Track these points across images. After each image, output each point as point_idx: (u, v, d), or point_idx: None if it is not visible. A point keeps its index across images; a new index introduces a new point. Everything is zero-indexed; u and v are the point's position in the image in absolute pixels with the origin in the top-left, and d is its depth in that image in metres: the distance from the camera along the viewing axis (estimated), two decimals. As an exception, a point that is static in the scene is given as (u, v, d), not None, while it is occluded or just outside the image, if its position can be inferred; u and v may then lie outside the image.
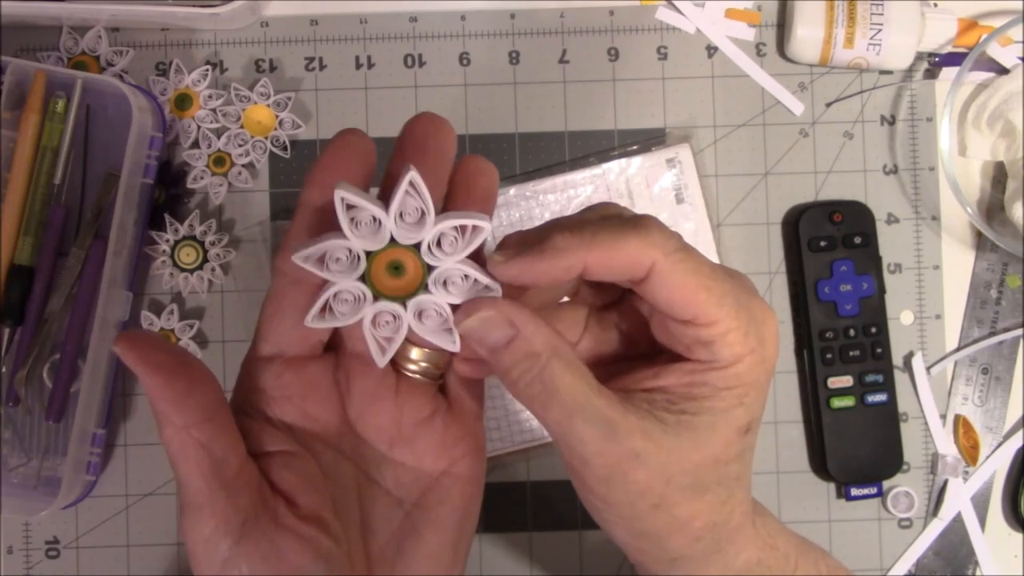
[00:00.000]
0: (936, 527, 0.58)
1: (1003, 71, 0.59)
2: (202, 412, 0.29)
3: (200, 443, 0.29)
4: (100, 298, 0.53)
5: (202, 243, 0.58)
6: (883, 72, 0.59)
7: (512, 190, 0.58)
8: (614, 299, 0.36)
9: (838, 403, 0.57)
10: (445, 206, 0.33)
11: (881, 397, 0.57)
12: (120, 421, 0.58)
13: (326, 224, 0.31)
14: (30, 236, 0.55)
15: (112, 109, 0.57)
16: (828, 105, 0.59)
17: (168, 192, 0.58)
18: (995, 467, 0.58)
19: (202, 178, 0.58)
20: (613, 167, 0.58)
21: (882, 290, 0.57)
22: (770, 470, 0.58)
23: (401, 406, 0.33)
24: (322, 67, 0.59)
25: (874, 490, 0.57)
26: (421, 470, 0.33)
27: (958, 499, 0.58)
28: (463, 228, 0.31)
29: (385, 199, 0.31)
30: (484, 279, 0.31)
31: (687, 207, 0.58)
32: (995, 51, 0.58)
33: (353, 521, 0.33)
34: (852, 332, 0.57)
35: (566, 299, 0.36)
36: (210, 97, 0.58)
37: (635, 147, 0.58)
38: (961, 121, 0.59)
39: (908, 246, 0.59)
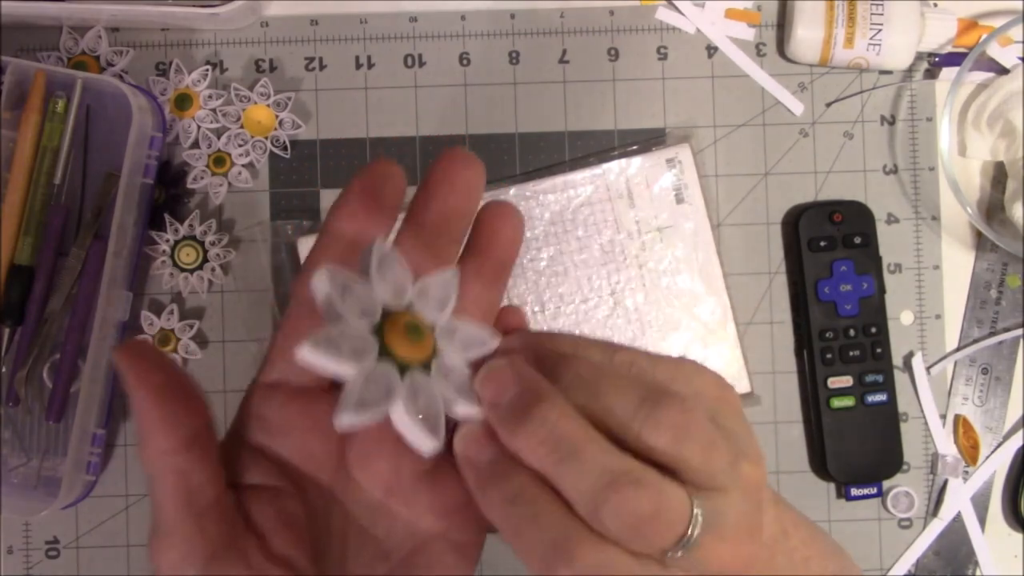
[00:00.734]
0: (936, 527, 0.58)
1: (1003, 71, 0.59)
2: (186, 439, 0.28)
3: (178, 470, 0.28)
4: (100, 298, 0.53)
5: (202, 243, 0.58)
6: (883, 72, 0.59)
7: (512, 190, 0.58)
8: None
9: (838, 403, 0.57)
10: (465, 249, 0.32)
11: (881, 397, 0.57)
12: (120, 421, 0.58)
13: (351, 256, 0.29)
14: (30, 236, 0.55)
15: (112, 109, 0.57)
16: (828, 105, 0.59)
17: (168, 192, 0.58)
18: (995, 467, 0.58)
19: (202, 178, 0.58)
20: (613, 167, 0.58)
21: (882, 290, 0.57)
22: (770, 470, 0.58)
23: (402, 455, 0.30)
24: (322, 67, 0.59)
25: (874, 490, 0.57)
26: (416, 527, 0.32)
27: (958, 499, 0.58)
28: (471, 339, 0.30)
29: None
30: (468, 403, 0.29)
31: (687, 207, 0.58)
32: (995, 51, 0.58)
33: (333, 567, 0.31)
34: (852, 332, 0.57)
35: None
36: (210, 97, 0.58)
37: (635, 147, 0.58)
38: (961, 121, 0.59)
39: (908, 246, 0.59)
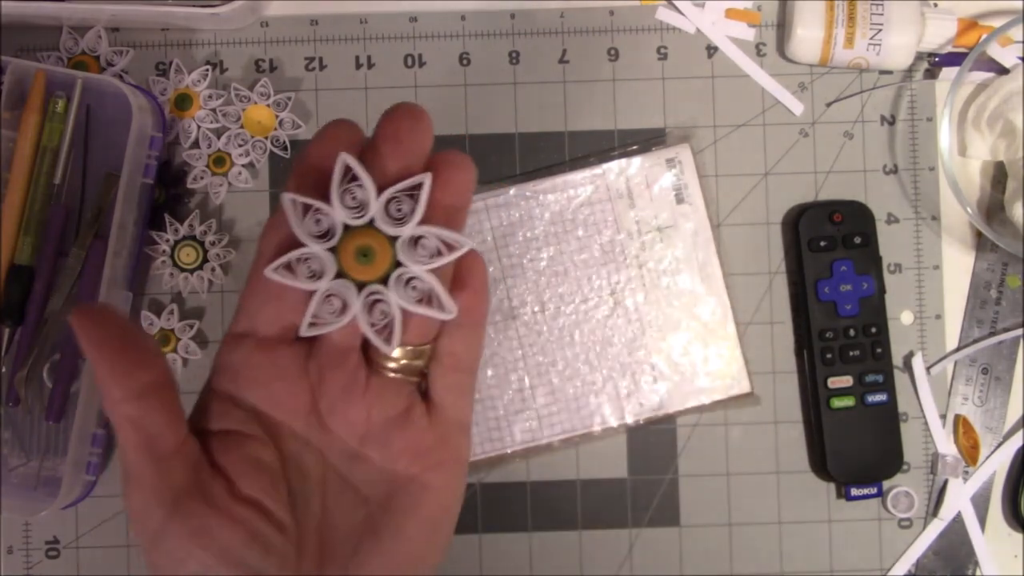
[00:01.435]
0: (936, 527, 0.58)
1: (1003, 71, 0.59)
2: (140, 389, 0.29)
3: (132, 418, 0.30)
4: (100, 298, 0.53)
5: (202, 243, 0.58)
6: (883, 72, 0.59)
7: (512, 190, 0.58)
8: None
9: (838, 403, 0.57)
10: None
11: (881, 397, 0.57)
12: (120, 421, 0.58)
13: (316, 190, 0.31)
14: (30, 236, 0.55)
15: (112, 109, 0.57)
16: (828, 105, 0.59)
17: (168, 192, 0.58)
18: (995, 467, 0.58)
19: (202, 178, 0.58)
20: (613, 167, 0.58)
21: (882, 290, 0.57)
22: (770, 470, 0.58)
23: (372, 402, 0.32)
24: (322, 67, 0.59)
25: (874, 490, 0.57)
26: (390, 471, 0.33)
27: (958, 499, 0.58)
28: (443, 240, 0.31)
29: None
30: (445, 297, 0.31)
31: (687, 207, 0.58)
32: (995, 51, 0.58)
33: (312, 513, 0.32)
34: (852, 332, 0.57)
35: None
36: (210, 97, 0.58)
37: (635, 147, 0.58)
38: (961, 121, 0.59)
39: (908, 246, 0.59)
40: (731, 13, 0.59)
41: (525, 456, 0.58)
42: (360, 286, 0.31)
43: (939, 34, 0.57)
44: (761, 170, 0.59)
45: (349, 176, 0.30)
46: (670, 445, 0.58)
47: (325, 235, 0.31)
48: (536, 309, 0.58)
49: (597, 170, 0.58)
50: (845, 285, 0.57)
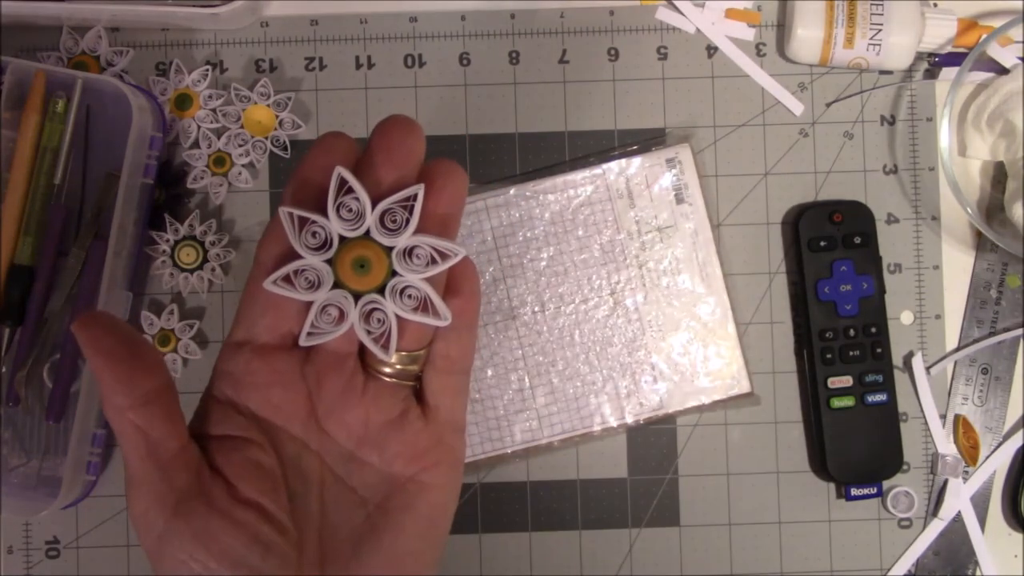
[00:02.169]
0: (936, 527, 0.58)
1: (1003, 71, 0.59)
2: (142, 396, 0.30)
3: (136, 425, 0.30)
4: (100, 298, 0.53)
5: (202, 243, 0.58)
6: (883, 72, 0.59)
7: (512, 190, 0.58)
8: None
9: (838, 403, 0.57)
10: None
11: (881, 397, 0.57)
12: (120, 421, 0.58)
13: (312, 202, 0.32)
14: (30, 236, 0.55)
15: (112, 109, 0.57)
16: (828, 105, 0.59)
17: (168, 192, 0.58)
18: (995, 467, 0.58)
19: (202, 178, 0.58)
20: (613, 167, 0.58)
21: (882, 290, 0.57)
22: (770, 470, 0.58)
23: (368, 406, 0.33)
24: (322, 67, 0.59)
25: (874, 490, 0.57)
26: (388, 473, 0.34)
27: (958, 499, 0.58)
28: (437, 249, 0.32)
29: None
30: (441, 305, 0.32)
31: (687, 207, 0.58)
32: (995, 51, 0.58)
33: (312, 515, 0.33)
34: (852, 332, 0.57)
35: None
36: (210, 97, 0.58)
37: (635, 147, 0.58)
38: (961, 121, 0.59)
39: (908, 246, 0.59)
40: (731, 13, 0.59)
41: (525, 456, 0.58)
42: (357, 296, 0.32)
43: (939, 34, 0.57)
44: (761, 170, 0.59)
45: (345, 188, 0.31)
46: (670, 445, 0.58)
47: (322, 246, 0.32)
48: (536, 309, 0.58)
49: (597, 170, 0.58)
50: (845, 285, 0.57)
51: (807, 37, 0.57)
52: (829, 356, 0.57)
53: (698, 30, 0.59)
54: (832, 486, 0.59)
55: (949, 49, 0.59)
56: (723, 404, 0.58)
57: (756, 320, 0.59)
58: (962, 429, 0.58)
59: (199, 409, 0.33)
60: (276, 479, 0.32)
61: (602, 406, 0.57)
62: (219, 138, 0.58)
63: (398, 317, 0.32)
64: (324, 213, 0.31)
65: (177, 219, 0.58)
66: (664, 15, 0.59)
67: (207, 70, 0.58)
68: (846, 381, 0.57)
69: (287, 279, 0.32)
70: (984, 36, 0.56)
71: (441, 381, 0.34)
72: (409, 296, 0.32)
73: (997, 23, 0.58)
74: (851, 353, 0.57)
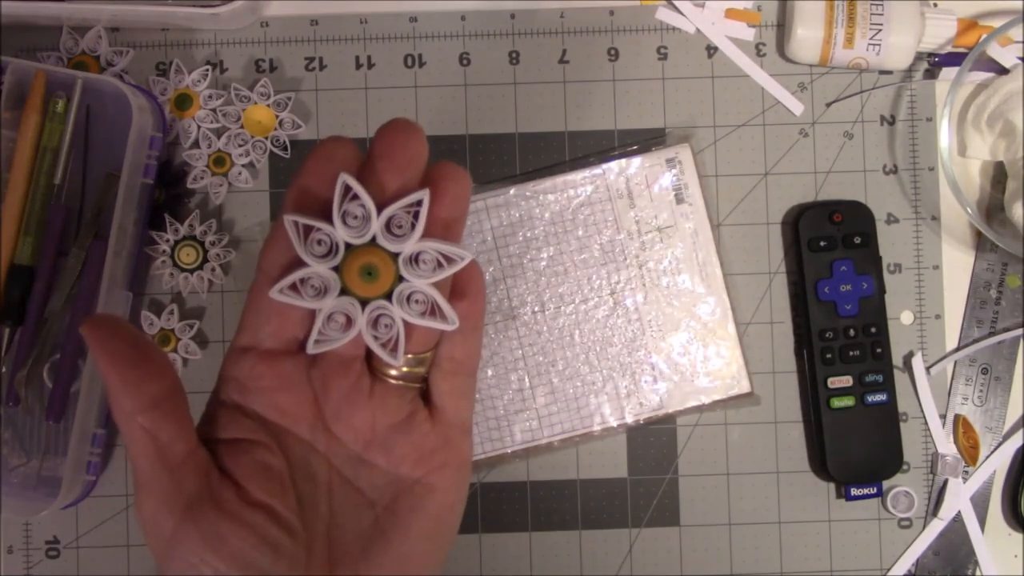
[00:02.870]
0: (936, 527, 0.58)
1: (1003, 71, 0.59)
2: (151, 400, 0.30)
3: (145, 429, 0.30)
4: (100, 298, 0.53)
5: (202, 243, 0.58)
6: (883, 72, 0.59)
7: (512, 190, 0.58)
8: None
9: (838, 403, 0.57)
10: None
11: (881, 397, 0.57)
12: (120, 421, 0.58)
13: (314, 209, 0.32)
14: (30, 236, 0.55)
15: (112, 109, 0.57)
16: (828, 105, 0.59)
17: (168, 192, 0.58)
18: (995, 467, 0.58)
19: (202, 178, 0.58)
20: (613, 167, 0.58)
21: (882, 290, 0.57)
22: (770, 470, 0.58)
23: (375, 409, 0.33)
24: (322, 67, 0.59)
25: (874, 490, 0.57)
26: (395, 475, 0.34)
27: (958, 499, 0.58)
28: (443, 254, 0.32)
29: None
30: (448, 310, 0.32)
31: (687, 207, 0.58)
32: (995, 51, 0.58)
33: (320, 516, 0.33)
34: (852, 332, 0.57)
35: None
36: (210, 97, 0.58)
37: (635, 147, 0.58)
38: (961, 121, 0.59)
39: (908, 246, 0.59)
40: (731, 13, 0.59)
41: (525, 456, 0.58)
42: (363, 302, 0.32)
43: (939, 34, 0.57)
44: (761, 170, 0.59)
45: (349, 195, 0.31)
46: (670, 445, 0.58)
47: (327, 254, 0.31)
48: (536, 309, 0.58)
49: (597, 170, 0.58)
50: (845, 285, 0.57)
51: (807, 37, 0.57)
52: (829, 356, 0.57)
53: (698, 30, 0.59)
54: (832, 486, 0.59)
55: (949, 49, 0.59)
56: (723, 404, 0.58)
57: (756, 320, 0.59)
58: (962, 429, 0.58)
59: (206, 413, 0.34)
60: (285, 481, 0.32)
61: (602, 406, 0.57)
62: (219, 138, 0.58)
63: (405, 322, 0.32)
64: (328, 220, 0.31)
65: (177, 219, 0.58)
66: (664, 15, 0.59)
67: (207, 70, 0.58)
68: (846, 381, 0.57)
69: (293, 287, 0.32)
70: (984, 36, 0.56)
71: (447, 383, 0.34)
72: (416, 301, 0.32)
73: (997, 23, 0.58)
74: (851, 353, 0.57)
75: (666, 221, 0.58)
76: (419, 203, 0.31)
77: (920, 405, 0.58)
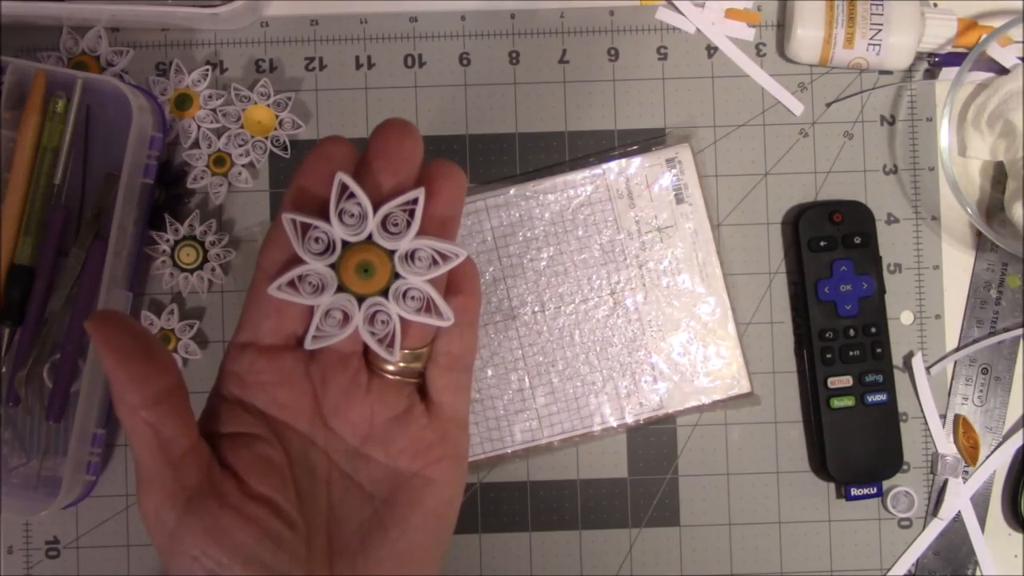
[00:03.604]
0: (936, 527, 0.58)
1: (1003, 71, 0.59)
2: (154, 395, 0.31)
3: (149, 423, 0.31)
4: (100, 298, 0.53)
5: (202, 243, 0.58)
6: (883, 72, 0.59)
7: (512, 190, 0.58)
8: None
9: (838, 403, 0.57)
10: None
11: (881, 397, 0.57)
12: (120, 421, 0.58)
13: (312, 208, 0.32)
14: (30, 236, 0.55)
15: (112, 109, 0.57)
16: (828, 105, 0.59)
17: (168, 192, 0.58)
18: (995, 467, 0.58)
19: (202, 178, 0.58)
20: (613, 167, 0.58)
21: (882, 290, 0.57)
22: (770, 470, 0.58)
23: (373, 403, 0.34)
24: (322, 67, 0.59)
25: (874, 490, 0.57)
26: (394, 468, 0.34)
27: (958, 499, 0.58)
28: (438, 251, 0.32)
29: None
30: (443, 306, 0.32)
31: (687, 207, 0.58)
32: (995, 51, 0.58)
33: (320, 510, 0.33)
34: (852, 332, 0.57)
35: None
36: (210, 97, 0.58)
37: (635, 147, 0.58)
38: (961, 121, 0.59)
39: (908, 246, 0.59)
40: (731, 13, 0.59)
41: (525, 456, 0.58)
42: (360, 299, 0.32)
43: (939, 34, 0.57)
44: (761, 170, 0.59)
45: (346, 193, 0.31)
46: (670, 445, 0.58)
47: (324, 251, 0.32)
48: (536, 309, 0.58)
49: (597, 170, 0.58)
50: (845, 285, 0.57)
51: (807, 37, 0.57)
52: (829, 356, 0.57)
53: (698, 30, 0.59)
54: (832, 486, 0.58)
55: (949, 49, 0.59)
56: (723, 404, 0.58)
57: (756, 320, 0.59)
58: (962, 429, 0.58)
59: (207, 408, 0.34)
60: (285, 474, 0.33)
61: (602, 406, 0.57)
62: (219, 138, 0.58)
63: (401, 318, 0.32)
64: (326, 218, 0.32)
65: (177, 219, 0.58)
66: (664, 15, 0.59)
67: (207, 70, 0.58)
68: (846, 381, 0.57)
69: (291, 284, 0.32)
70: (984, 36, 0.56)
71: (444, 378, 0.35)
72: (412, 297, 0.32)
73: (997, 23, 0.58)
74: (851, 353, 0.57)
75: (666, 221, 0.58)
76: (415, 201, 0.32)
77: (920, 405, 0.58)
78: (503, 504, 0.58)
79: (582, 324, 0.57)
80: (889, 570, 0.58)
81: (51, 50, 0.58)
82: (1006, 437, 0.59)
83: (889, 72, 0.59)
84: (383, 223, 0.32)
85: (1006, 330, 0.59)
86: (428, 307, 0.32)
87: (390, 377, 0.34)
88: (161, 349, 0.31)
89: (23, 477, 0.57)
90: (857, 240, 0.57)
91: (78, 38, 0.58)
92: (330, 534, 0.33)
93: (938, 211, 0.59)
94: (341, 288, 0.32)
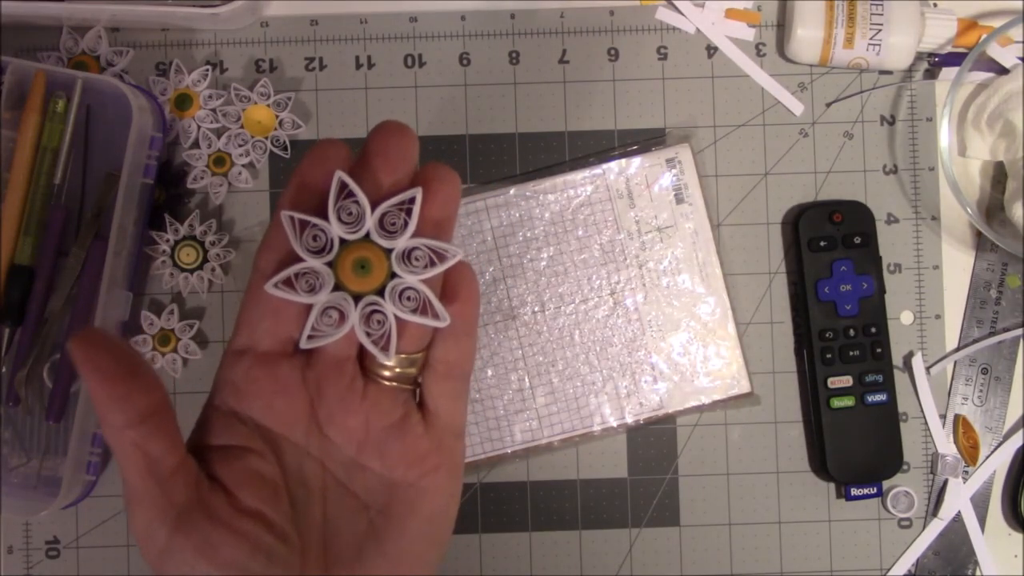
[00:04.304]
0: (936, 527, 0.58)
1: (1003, 71, 0.59)
2: (139, 415, 0.30)
3: (134, 443, 0.30)
4: (100, 298, 0.53)
5: (202, 243, 0.58)
6: (883, 72, 0.59)
7: (512, 190, 0.58)
8: None
9: (838, 403, 0.57)
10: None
11: (881, 397, 0.57)
12: (120, 421, 0.58)
13: (310, 206, 0.32)
14: (30, 236, 0.55)
15: (112, 109, 0.57)
16: (828, 105, 0.59)
17: (168, 192, 0.58)
18: (995, 467, 0.58)
19: (202, 178, 0.58)
20: (613, 167, 0.58)
21: (882, 290, 0.57)
22: (770, 470, 0.58)
23: (369, 410, 0.33)
24: (322, 67, 0.59)
25: (874, 490, 0.57)
26: (389, 478, 0.34)
27: (958, 499, 0.58)
28: (434, 251, 0.32)
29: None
30: (439, 307, 0.32)
31: (687, 207, 0.58)
32: (995, 51, 0.58)
33: (314, 521, 0.33)
34: (852, 332, 0.57)
35: None
36: (210, 97, 0.58)
37: (635, 147, 0.58)
38: (961, 121, 0.59)
39: (908, 246, 0.59)
40: (731, 13, 0.59)
41: (525, 456, 0.58)
42: (356, 298, 0.32)
43: (939, 34, 0.57)
44: (761, 170, 0.59)
45: (344, 192, 0.31)
46: (670, 445, 0.58)
47: (322, 250, 0.32)
48: (536, 309, 0.58)
49: (597, 170, 0.58)
50: (845, 285, 0.57)
51: (807, 37, 0.57)
52: (829, 356, 0.57)
53: (698, 30, 0.59)
54: (832, 486, 0.59)
55: (949, 49, 0.59)
56: (723, 404, 0.58)
57: (756, 320, 0.59)
58: (962, 429, 0.58)
59: (200, 419, 0.34)
60: (277, 487, 0.33)
61: (602, 406, 0.57)
62: (219, 138, 0.58)
63: (397, 319, 0.32)
64: (324, 217, 0.32)
65: (177, 219, 0.58)
66: (664, 15, 0.59)
67: (207, 70, 0.58)
68: (846, 381, 0.57)
69: (288, 283, 0.32)
70: (984, 36, 0.56)
71: (441, 386, 0.34)
72: (408, 298, 0.32)
73: (997, 23, 0.58)
74: (851, 353, 0.57)
75: (666, 221, 0.58)
76: (412, 200, 0.32)
77: (920, 405, 0.58)
78: (503, 504, 0.58)
79: (582, 324, 0.57)
80: (889, 570, 0.58)
81: (51, 50, 0.58)
82: (1006, 437, 0.59)
83: (889, 72, 0.59)
84: (380, 222, 0.32)
85: (1006, 330, 0.59)
86: (424, 309, 0.32)
87: (386, 383, 0.34)
88: (145, 368, 0.31)
89: (23, 477, 0.57)
90: (857, 240, 0.57)
91: (78, 38, 0.58)
92: (325, 545, 0.33)
93: (938, 211, 0.59)
94: (338, 287, 0.32)
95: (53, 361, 0.56)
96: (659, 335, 0.58)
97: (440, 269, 0.32)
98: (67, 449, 0.53)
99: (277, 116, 0.58)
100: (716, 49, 0.59)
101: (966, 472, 0.58)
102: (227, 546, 0.31)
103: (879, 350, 0.57)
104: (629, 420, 0.57)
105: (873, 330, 0.57)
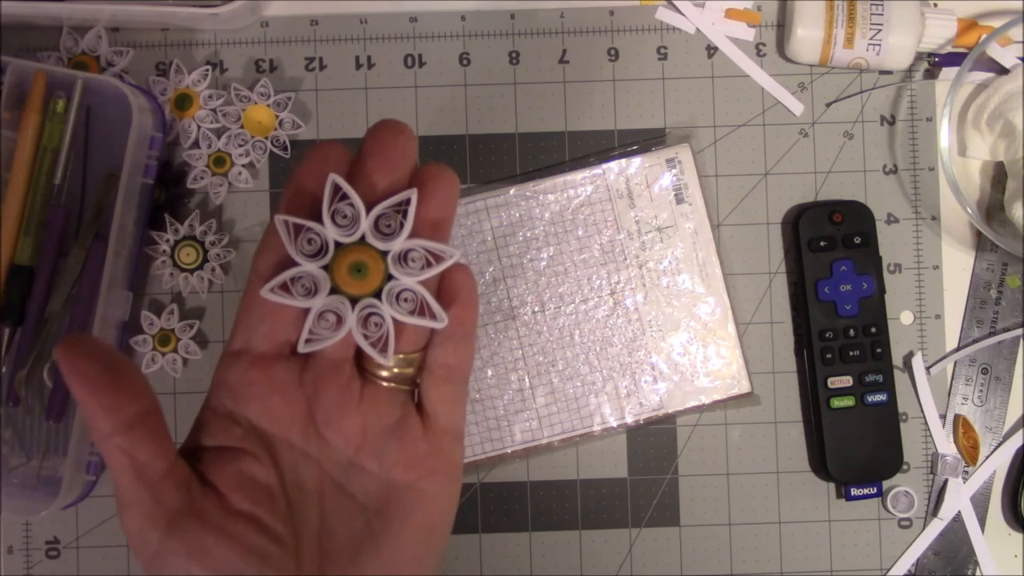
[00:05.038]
0: (936, 527, 0.58)
1: (1003, 71, 0.59)
2: (127, 421, 0.30)
3: (123, 449, 0.30)
4: (100, 298, 0.53)
5: (202, 243, 0.58)
6: (883, 72, 0.59)
7: (512, 190, 0.58)
8: None
9: (838, 403, 0.57)
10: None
11: (881, 397, 0.57)
12: (120, 421, 0.58)
13: (307, 210, 0.32)
14: (30, 236, 0.55)
15: (112, 109, 0.57)
16: (828, 105, 0.59)
17: (168, 192, 0.58)
18: (995, 467, 0.58)
19: (202, 178, 0.58)
20: (613, 167, 0.58)
21: (882, 290, 0.57)
22: (770, 470, 0.58)
23: (366, 412, 0.33)
24: (322, 67, 0.59)
25: (874, 490, 0.57)
26: (387, 480, 0.34)
27: (958, 499, 0.58)
28: (431, 252, 0.32)
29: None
30: (436, 307, 0.32)
31: (687, 207, 0.58)
32: (995, 51, 0.58)
33: (311, 523, 0.33)
34: (852, 332, 0.57)
35: None
36: (210, 97, 0.58)
37: (635, 147, 0.58)
38: (961, 121, 0.59)
39: (908, 246, 0.59)
40: (731, 13, 0.59)
41: (525, 456, 0.58)
42: (353, 300, 0.32)
43: (939, 34, 0.57)
44: (761, 170, 0.59)
45: (340, 195, 0.31)
46: (670, 445, 0.58)
47: (317, 253, 0.32)
48: (536, 309, 0.58)
49: (597, 170, 0.58)
50: (845, 285, 0.57)
51: (807, 37, 0.57)
52: (829, 356, 0.57)
53: (698, 30, 0.59)
54: (832, 486, 0.59)
55: (949, 49, 0.59)
56: (723, 404, 0.58)
57: (756, 320, 0.59)
58: (962, 429, 0.58)
59: (197, 421, 0.34)
60: (272, 489, 0.32)
61: (602, 406, 0.57)
62: (219, 138, 0.58)
63: (395, 320, 0.32)
64: (319, 220, 0.31)
65: (177, 219, 0.58)
66: (664, 15, 0.59)
67: (207, 70, 0.58)
68: (846, 381, 0.57)
69: (284, 287, 0.32)
70: (984, 36, 0.56)
71: (439, 390, 0.34)
72: (405, 300, 0.32)
73: (997, 23, 0.58)
74: (851, 353, 0.57)
75: (666, 221, 0.58)
76: (407, 202, 0.31)
77: (920, 405, 0.58)
78: (503, 504, 0.58)
79: (582, 324, 0.58)
80: (889, 570, 0.58)
81: (51, 50, 0.58)
82: (1006, 437, 0.59)
83: (889, 72, 0.59)
84: (376, 224, 0.32)
85: (1006, 330, 0.59)
86: (421, 310, 0.32)
87: (383, 385, 0.34)
88: (133, 373, 0.31)
89: (23, 477, 0.57)
90: (857, 240, 0.57)
91: (78, 38, 0.58)
92: (321, 547, 0.33)
93: (938, 211, 0.59)
94: (335, 291, 0.32)
95: (53, 361, 0.56)
96: (659, 335, 0.58)
97: (437, 270, 0.32)
98: (67, 449, 0.53)
99: (277, 116, 0.58)
100: (716, 49, 0.59)
101: (966, 472, 0.58)
102: (219, 549, 0.31)
103: (879, 350, 0.57)
104: (629, 420, 0.57)
105: (873, 330, 0.57)
